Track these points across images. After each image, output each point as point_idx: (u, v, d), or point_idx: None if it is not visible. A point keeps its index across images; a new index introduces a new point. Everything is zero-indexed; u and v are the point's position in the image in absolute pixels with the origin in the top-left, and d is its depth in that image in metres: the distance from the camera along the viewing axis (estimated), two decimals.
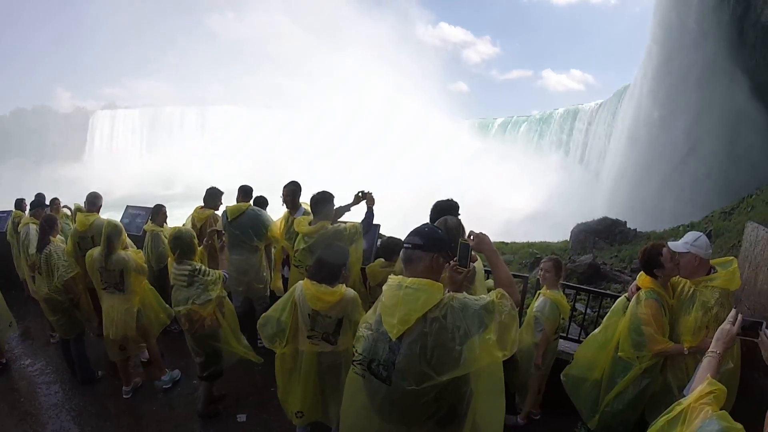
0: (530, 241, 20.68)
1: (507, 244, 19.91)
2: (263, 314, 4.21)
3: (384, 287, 2.66)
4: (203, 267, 5.04)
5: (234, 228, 6.75)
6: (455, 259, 2.82)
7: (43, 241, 6.14)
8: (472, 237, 2.97)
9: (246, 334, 5.77)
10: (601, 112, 49.65)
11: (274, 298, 6.26)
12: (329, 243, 4.93)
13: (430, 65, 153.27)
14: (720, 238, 13.95)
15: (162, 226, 7.57)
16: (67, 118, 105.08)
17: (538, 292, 5.26)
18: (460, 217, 4.08)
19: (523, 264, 16.18)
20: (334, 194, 5.65)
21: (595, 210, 29.25)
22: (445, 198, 4.46)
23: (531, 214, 39.02)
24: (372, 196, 5.70)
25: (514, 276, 6.88)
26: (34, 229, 7.22)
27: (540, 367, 5.06)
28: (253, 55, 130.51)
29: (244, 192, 7.17)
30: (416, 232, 2.66)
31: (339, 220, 5.89)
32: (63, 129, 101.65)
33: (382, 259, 5.53)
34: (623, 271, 14.25)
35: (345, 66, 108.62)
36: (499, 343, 2.42)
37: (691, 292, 3.96)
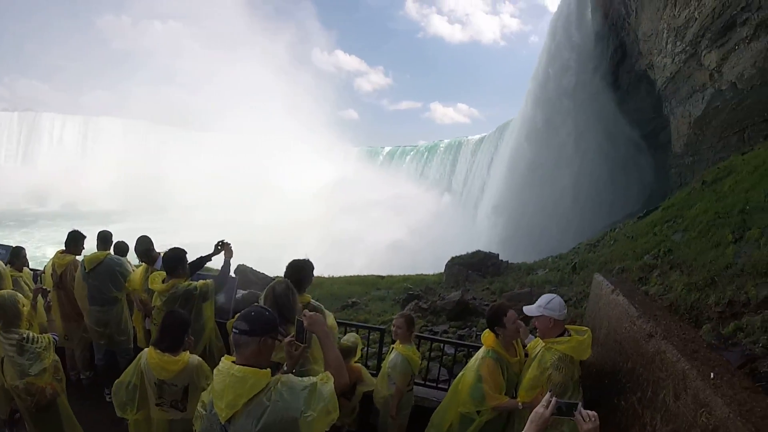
0: (407, 274, 20.55)
1: (383, 278, 19.75)
2: (116, 381, 4.29)
3: (215, 371, 2.80)
4: (31, 334, 4.81)
5: (92, 279, 6.61)
6: (292, 335, 3.17)
7: None
8: (305, 316, 3.16)
9: (110, 389, 5.32)
10: (483, 145, 51.65)
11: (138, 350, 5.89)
12: (171, 310, 4.86)
13: (324, 90, 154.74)
14: (583, 271, 14.30)
15: (21, 270, 7.00)
16: None
17: (391, 346, 5.52)
18: (314, 272, 4.73)
19: (396, 300, 16.01)
20: (186, 250, 5.58)
21: (473, 242, 29.97)
22: (302, 258, 4.86)
23: (411, 246, 39.52)
24: (230, 248, 5.85)
25: (371, 329, 6.73)
26: None
27: (395, 417, 5.29)
28: (144, 65, 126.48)
29: (103, 239, 6.97)
30: (243, 317, 2.82)
31: (199, 272, 6.06)
32: None
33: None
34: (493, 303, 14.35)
35: (238, 82, 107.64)
36: (318, 423, 2.61)
37: (539, 350, 4.20)
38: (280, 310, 3.92)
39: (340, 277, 20.22)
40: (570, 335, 4.07)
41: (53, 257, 7.14)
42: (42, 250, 50.77)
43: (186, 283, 5.45)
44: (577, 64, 29.62)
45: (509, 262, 18.61)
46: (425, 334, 9.70)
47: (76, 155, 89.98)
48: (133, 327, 6.89)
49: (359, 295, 17.15)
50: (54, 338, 5.07)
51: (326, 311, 4.79)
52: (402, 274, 20.63)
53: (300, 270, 4.72)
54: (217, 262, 6.31)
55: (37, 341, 4.78)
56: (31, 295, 6.22)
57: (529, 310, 4.23)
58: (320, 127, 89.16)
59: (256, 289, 16.41)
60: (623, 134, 28.00)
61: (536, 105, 33.46)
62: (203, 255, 6.02)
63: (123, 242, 7.53)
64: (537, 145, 32.55)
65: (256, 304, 3.39)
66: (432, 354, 8.15)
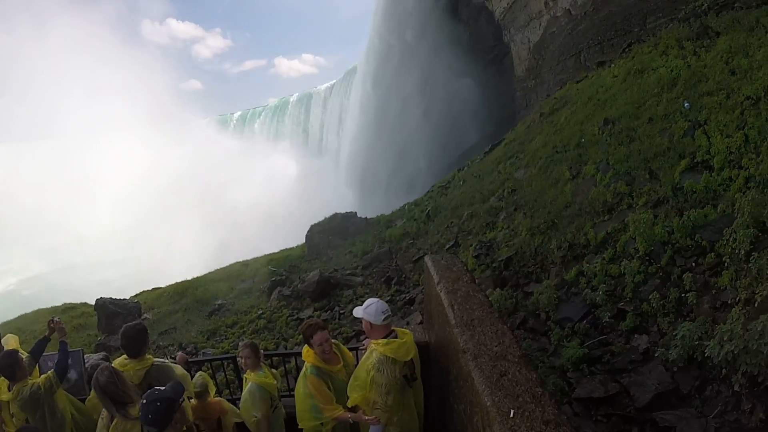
0: (270, 252, 19.93)
1: (248, 265, 19.09)
2: None
3: None
4: None
5: None
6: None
7: None
8: None
9: None
10: (333, 95, 50.68)
11: None
12: (21, 427, 4.64)
13: (161, 65, 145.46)
14: (437, 217, 14.37)
15: None
16: None
17: (244, 377, 5.32)
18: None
19: (261, 291, 15.65)
20: (17, 350, 5.23)
21: (336, 200, 29.84)
22: (133, 323, 4.85)
23: (272, 217, 38.40)
24: (62, 326, 5.39)
25: (224, 359, 6.86)
26: None
27: None
28: None
29: None
30: (148, 422, 3.07)
31: (44, 354, 5.61)
32: None
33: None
34: (355, 271, 14.29)
35: (63, 77, 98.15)
36: None
37: (369, 351, 4.12)
38: (112, 397, 3.91)
39: (206, 276, 19.43)
40: (395, 337, 4.04)
41: None
42: None
43: (31, 383, 4.93)
44: (416, 2, 29.53)
45: (368, 218, 18.43)
46: (271, 351, 9.30)
47: None
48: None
49: (225, 294, 16.60)
50: None
51: (172, 365, 4.83)
52: (267, 253, 20.01)
53: (133, 338, 4.66)
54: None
55: None
56: None
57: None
58: (163, 106, 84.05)
59: (122, 319, 15.26)
60: (467, 65, 28.44)
61: (378, 47, 33.20)
62: (40, 339, 5.51)
63: None
64: (381, 89, 32.43)
65: (144, 401, 3.19)
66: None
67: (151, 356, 4.80)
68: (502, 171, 13.51)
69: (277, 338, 12.29)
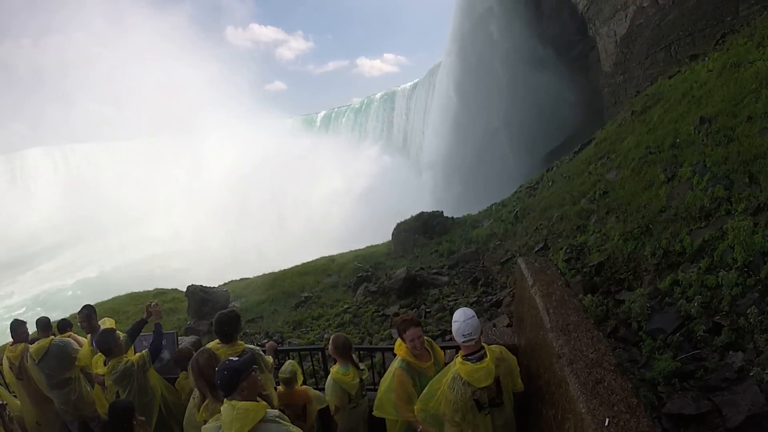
0: (357, 249, 20.31)
1: (334, 260, 19.36)
2: None
3: (222, 408, 3.48)
4: None
5: (43, 368, 6.67)
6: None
7: None
8: None
9: None
10: (417, 93, 50.63)
11: None
12: (112, 402, 4.89)
13: (246, 68, 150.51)
14: (526, 218, 14.23)
15: None
16: None
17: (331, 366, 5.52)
18: None
19: (347, 286, 15.85)
20: (115, 329, 5.74)
21: (420, 198, 29.89)
22: (227, 309, 5.28)
23: (357, 214, 38.85)
24: (158, 309, 5.93)
25: (312, 350, 7.55)
26: None
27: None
28: (57, 84, 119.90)
29: (43, 327, 6.86)
30: (219, 387, 3.56)
31: (141, 334, 6.18)
32: None
33: (183, 372, 5.82)
34: (441, 270, 14.30)
35: (154, 83, 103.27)
36: None
37: (453, 362, 4.13)
38: (208, 380, 4.21)
39: (293, 269, 19.81)
40: (482, 357, 4.00)
41: (6, 351, 7.16)
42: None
43: (125, 360, 5.47)
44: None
45: (454, 217, 18.45)
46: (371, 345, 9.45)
47: (7, 197, 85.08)
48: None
49: (311, 287, 16.88)
50: None
51: (262, 354, 5.21)
52: (353, 249, 20.38)
53: (227, 324, 5.00)
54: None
55: None
56: None
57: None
58: (249, 106, 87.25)
59: (211, 306, 16.15)
60: (552, 60, 27.85)
61: (460, 45, 32.94)
62: (137, 321, 6.12)
63: (65, 320, 7.55)
64: (465, 88, 32.15)
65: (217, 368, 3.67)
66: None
67: (242, 343, 5.12)
68: (593, 172, 13.23)
69: (363, 333, 12.47)
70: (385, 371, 5.50)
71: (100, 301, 20.03)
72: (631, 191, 10.47)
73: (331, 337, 5.52)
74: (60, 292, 50.92)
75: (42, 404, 7.05)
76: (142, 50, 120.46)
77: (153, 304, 6.06)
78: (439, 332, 10.70)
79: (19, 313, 44.60)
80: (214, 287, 17.63)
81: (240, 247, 42.56)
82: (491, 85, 30.02)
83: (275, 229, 43.30)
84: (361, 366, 5.56)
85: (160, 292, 21.36)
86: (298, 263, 20.83)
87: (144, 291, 22.39)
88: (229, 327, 5.04)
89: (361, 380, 5.45)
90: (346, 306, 14.30)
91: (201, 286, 17.08)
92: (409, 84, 55.50)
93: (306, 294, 16.20)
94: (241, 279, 21.19)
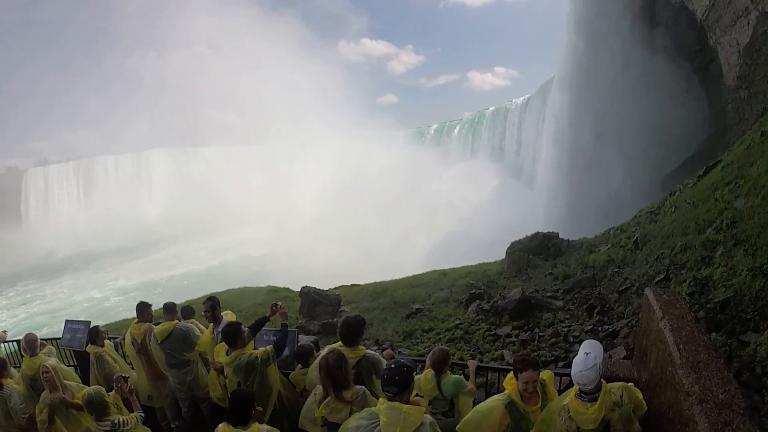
0: (468, 264, 20.39)
1: (446, 274, 19.44)
2: None
3: (382, 407, 3.74)
4: (121, 418, 5.51)
5: (165, 348, 7.30)
6: None
7: None
8: None
9: None
10: (529, 108, 49.95)
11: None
12: (237, 389, 5.37)
13: (359, 81, 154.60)
14: (646, 246, 13.79)
15: (103, 345, 7.81)
16: None
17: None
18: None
19: (459, 302, 15.90)
20: (240, 323, 6.16)
21: (532, 217, 29.35)
22: (353, 315, 5.73)
23: (467, 230, 38.57)
24: (285, 311, 6.41)
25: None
26: None
27: None
28: (179, 92, 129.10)
29: (168, 310, 7.60)
30: (391, 383, 3.76)
31: (268, 328, 6.88)
32: None
33: (300, 365, 6.33)
34: (556, 294, 14.16)
35: (271, 93, 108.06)
36: None
37: (568, 391, 4.21)
38: (334, 380, 4.50)
39: (404, 279, 20.13)
40: (596, 396, 3.99)
41: (130, 328, 7.87)
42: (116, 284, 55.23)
43: (249, 352, 5.90)
44: (610, 5, 28.09)
45: (570, 240, 18.09)
46: (488, 364, 9.46)
47: (132, 191, 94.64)
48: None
49: (422, 300, 17.09)
50: (140, 416, 5.75)
51: (381, 359, 5.42)
52: (464, 265, 20.44)
53: (352, 328, 5.34)
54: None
55: (126, 423, 5.48)
56: (117, 365, 7.61)
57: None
58: (362, 119, 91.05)
59: (323, 308, 16.92)
60: (669, 73, 26.58)
61: (572, 59, 32.06)
62: (260, 318, 6.52)
63: (189, 306, 8.34)
64: (578, 104, 31.24)
65: (392, 366, 3.86)
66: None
67: (362, 348, 5.37)
68: (720, 199, 12.60)
69: (473, 351, 12.41)
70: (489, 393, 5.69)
71: (211, 292, 20.83)
72: (761, 222, 9.95)
73: (438, 348, 5.79)
74: (167, 281, 54.86)
75: (156, 380, 7.77)
76: (257, 62, 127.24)
77: (280, 305, 6.50)
78: (552, 358, 10.67)
79: (128, 297, 48.71)
80: (326, 290, 18.24)
81: (347, 253, 43.71)
82: (605, 101, 28.92)
83: (383, 238, 43.96)
84: (470, 385, 5.64)
85: (272, 290, 22.18)
86: (408, 275, 21.06)
87: (256, 287, 23.34)
88: (354, 331, 5.35)
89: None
90: (457, 321, 14.32)
91: (314, 288, 17.71)
92: (521, 99, 54.84)
93: (417, 306, 16.39)
94: (352, 285, 21.59)
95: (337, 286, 21.25)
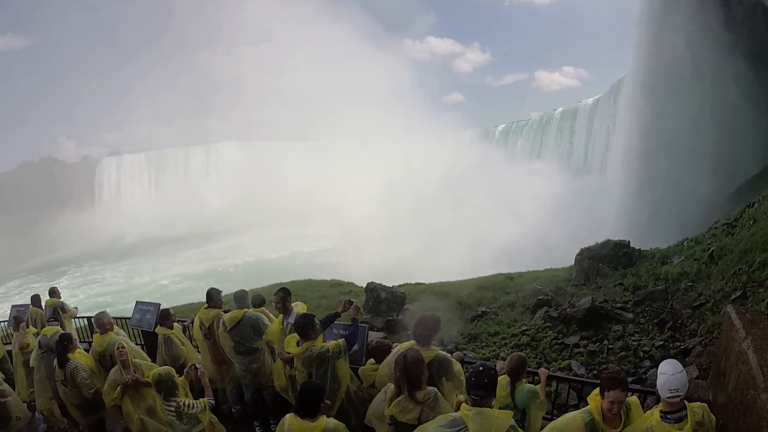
0: (536, 269, 20.27)
1: (512, 279, 19.39)
2: None
3: (465, 411, 3.68)
4: (187, 401, 5.69)
5: (234, 335, 7.37)
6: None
7: (63, 358, 6.91)
8: None
9: (259, 420, 7.69)
10: (599, 110, 48.79)
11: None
12: (307, 381, 5.49)
13: (425, 80, 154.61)
14: (722, 260, 13.45)
15: (172, 328, 8.16)
16: (73, 168, 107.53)
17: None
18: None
19: (525, 307, 15.79)
20: (314, 314, 6.18)
21: (601, 223, 28.65)
22: (429, 314, 5.52)
23: (532, 233, 37.89)
24: (357, 306, 6.34)
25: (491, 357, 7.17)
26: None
27: None
28: (246, 88, 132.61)
29: (239, 299, 7.65)
30: (478, 386, 3.70)
31: (338, 322, 6.78)
32: (70, 178, 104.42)
33: (373, 360, 6.23)
34: (626, 305, 13.94)
35: (336, 91, 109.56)
36: None
37: (651, 411, 4.02)
38: (410, 378, 4.45)
39: (470, 281, 20.07)
40: (681, 418, 3.80)
41: (199, 312, 8.06)
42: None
43: (320, 345, 5.90)
44: (682, 5, 26.77)
45: (641, 249, 17.72)
46: (557, 373, 9.46)
47: (200, 182, 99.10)
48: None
49: (488, 303, 17.05)
50: (211, 403, 5.90)
51: (453, 360, 5.27)
52: (531, 269, 20.34)
53: (428, 327, 5.24)
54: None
55: (193, 407, 5.65)
56: (184, 348, 8.02)
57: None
58: (428, 117, 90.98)
59: (387, 305, 17.14)
60: (747, 76, 25.14)
61: (644, 59, 30.77)
62: (332, 313, 6.63)
63: (260, 295, 8.48)
64: (650, 105, 29.91)
65: (480, 369, 3.80)
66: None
67: (435, 348, 5.23)
68: None
69: (539, 359, 12.35)
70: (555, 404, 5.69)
71: (272, 283, 21.15)
72: None
73: (514, 355, 5.68)
74: (226, 270, 56.66)
75: (220, 365, 7.96)
76: (323, 60, 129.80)
77: (353, 300, 6.49)
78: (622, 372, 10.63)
79: (185, 284, 52.18)
80: (392, 287, 18.23)
81: (408, 251, 43.54)
82: (679, 103, 27.51)
83: (446, 238, 43.71)
84: (541, 395, 5.50)
85: (336, 283, 22.54)
86: (473, 276, 20.98)
87: (320, 280, 23.73)
88: (429, 330, 5.25)
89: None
90: (524, 327, 14.26)
91: (380, 284, 17.76)
92: (591, 99, 54.00)
93: (483, 309, 16.29)
94: (416, 283, 21.56)
95: (401, 283, 21.17)
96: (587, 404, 4.20)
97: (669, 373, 3.81)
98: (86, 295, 49.48)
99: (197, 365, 6.38)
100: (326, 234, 63.60)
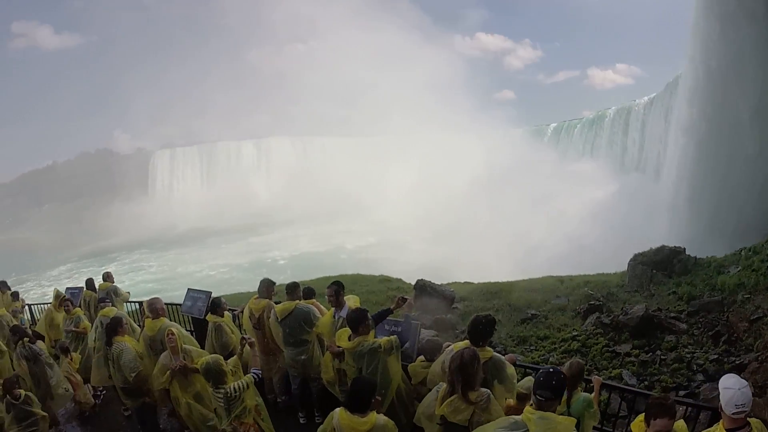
0: (586, 273, 20.00)
1: (563, 282, 19.05)
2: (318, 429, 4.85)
3: (533, 418, 3.64)
4: (234, 385, 5.72)
5: (284, 326, 7.53)
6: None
7: (109, 341, 7.25)
8: None
9: (304, 411, 7.86)
10: (654, 110, 47.46)
11: None
12: (359, 376, 5.49)
13: (475, 77, 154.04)
14: None
15: (222, 316, 8.36)
16: (128, 159, 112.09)
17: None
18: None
19: (576, 312, 15.65)
20: (368, 309, 6.24)
21: (655, 228, 27.85)
22: (484, 313, 5.53)
23: (590, 237, 36.79)
24: (410, 303, 6.51)
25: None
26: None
27: None
28: (294, 84, 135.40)
29: (290, 290, 7.75)
30: (546, 386, 3.72)
31: (389, 318, 6.77)
32: (125, 169, 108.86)
33: (423, 358, 6.17)
34: (680, 315, 13.73)
35: (386, 87, 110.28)
36: None
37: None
38: (465, 378, 4.42)
39: (519, 282, 19.84)
40: (749, 429, 3.68)
41: (249, 302, 8.25)
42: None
43: (371, 340, 5.95)
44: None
45: (696, 257, 17.30)
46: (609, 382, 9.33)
47: (251, 175, 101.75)
48: None
49: (538, 305, 16.89)
50: (254, 375, 5.99)
51: (507, 362, 5.27)
52: (582, 273, 20.01)
53: (482, 327, 5.20)
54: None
55: (239, 389, 5.70)
56: (233, 336, 8.17)
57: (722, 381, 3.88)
58: (478, 114, 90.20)
59: (436, 303, 17.17)
60: None
61: (702, 56, 29.26)
62: (384, 309, 6.70)
63: (310, 288, 8.51)
64: (708, 106, 28.60)
65: (550, 370, 3.87)
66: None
67: (490, 349, 5.19)
68: None
69: (589, 366, 12.14)
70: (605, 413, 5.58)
71: (320, 276, 21.32)
72: None
73: (572, 361, 5.60)
74: (273, 263, 57.91)
75: (268, 355, 8.12)
76: (371, 57, 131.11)
77: (407, 298, 6.56)
78: (674, 385, 10.49)
79: (230, 274, 53.88)
80: (441, 285, 18.12)
81: (454, 249, 43.32)
82: (739, 104, 26.30)
83: (494, 237, 43.24)
84: (595, 405, 5.40)
85: (384, 279, 22.43)
86: (521, 278, 20.74)
87: (369, 275, 23.62)
88: (483, 331, 5.20)
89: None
90: (574, 333, 14.16)
91: (430, 281, 17.67)
92: (646, 98, 52.50)
93: (532, 311, 16.17)
94: (465, 282, 21.43)
95: (450, 282, 20.94)
96: (636, 416, 4.22)
97: (735, 388, 3.68)
98: (132, 281, 50.83)
99: (246, 336, 6.62)
100: (369, 230, 64.21)
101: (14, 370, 8.76)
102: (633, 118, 52.81)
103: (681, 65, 37.52)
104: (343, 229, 67.70)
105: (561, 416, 3.67)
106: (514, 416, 3.95)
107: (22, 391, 7.17)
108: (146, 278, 56.88)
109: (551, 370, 3.84)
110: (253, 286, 9.18)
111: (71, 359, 9.39)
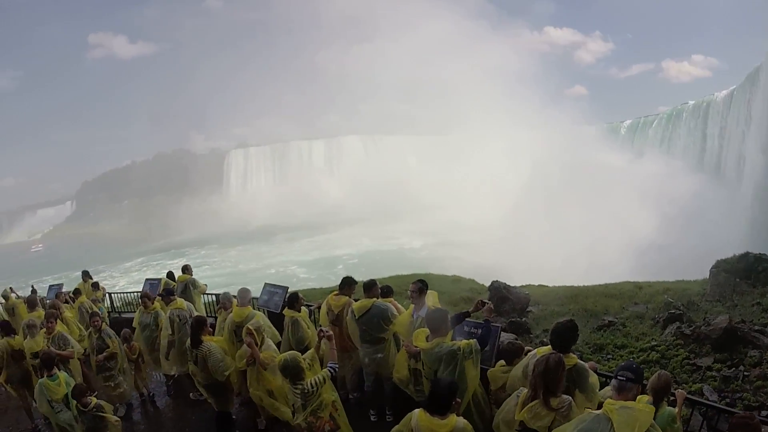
0: (665, 279, 19.50)
1: (641, 288, 18.43)
2: (393, 428, 4.93)
3: (615, 408, 3.72)
4: (311, 381, 5.74)
5: (362, 323, 7.63)
6: None
7: (196, 340, 7.42)
8: None
9: (375, 409, 7.91)
10: (734, 103, 45.12)
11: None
12: (439, 378, 5.43)
13: (541, 72, 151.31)
14: None
15: (299, 311, 8.53)
16: (203, 158, 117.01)
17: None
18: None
19: (655, 320, 15.23)
20: (448, 310, 6.28)
21: (736, 232, 26.76)
22: (566, 319, 5.40)
23: (666, 238, 35.65)
24: (490, 307, 6.27)
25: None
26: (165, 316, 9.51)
27: None
28: (363, 83, 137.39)
29: (367, 287, 7.85)
30: (628, 368, 4.01)
31: (468, 319, 6.69)
32: (200, 168, 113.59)
33: (503, 362, 6.24)
34: (764, 329, 13.15)
35: (455, 85, 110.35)
36: None
37: None
38: (547, 383, 4.43)
39: (595, 287, 19.07)
40: None
41: (328, 298, 8.40)
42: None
43: (450, 342, 5.85)
44: None
45: None
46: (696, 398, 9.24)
47: (321, 173, 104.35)
48: None
49: (615, 312, 16.27)
50: (330, 370, 5.96)
51: (590, 371, 5.20)
52: (660, 279, 19.56)
53: (564, 333, 5.19)
54: None
55: (316, 384, 5.72)
56: (309, 331, 8.34)
57: None
58: (550, 111, 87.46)
59: (510, 305, 17.07)
60: None
61: None
62: (463, 311, 6.59)
63: (388, 286, 8.49)
64: None
65: (632, 360, 4.06)
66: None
67: (573, 356, 5.14)
68: None
69: None
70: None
71: (392, 274, 21.20)
72: None
73: (659, 373, 5.30)
74: (342, 260, 58.81)
75: (343, 351, 8.20)
76: (438, 55, 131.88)
77: (487, 302, 6.40)
78: (757, 404, 10.19)
79: (298, 270, 55.72)
80: (516, 287, 17.64)
81: (526, 251, 42.62)
82: None
83: (567, 239, 42.37)
84: (678, 421, 5.11)
85: (456, 279, 22.06)
86: (598, 282, 19.70)
87: (441, 275, 23.05)
88: (565, 337, 5.17)
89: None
90: (653, 342, 13.46)
91: (504, 283, 17.12)
92: (725, 92, 49.93)
93: (610, 318, 15.51)
94: (539, 285, 20.99)
95: (523, 284, 20.41)
96: None
97: None
98: (198, 276, 52.79)
99: (324, 329, 6.59)
100: (432, 229, 64.64)
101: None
102: (712, 112, 50.40)
103: (762, 54, 35.88)
104: (411, 229, 68.57)
105: (641, 404, 3.76)
106: (593, 411, 4.02)
107: (93, 399, 7.27)
108: (208, 274, 57.83)
109: (631, 360, 4.13)
110: (320, 283, 9.55)
111: (130, 348, 10.00)
